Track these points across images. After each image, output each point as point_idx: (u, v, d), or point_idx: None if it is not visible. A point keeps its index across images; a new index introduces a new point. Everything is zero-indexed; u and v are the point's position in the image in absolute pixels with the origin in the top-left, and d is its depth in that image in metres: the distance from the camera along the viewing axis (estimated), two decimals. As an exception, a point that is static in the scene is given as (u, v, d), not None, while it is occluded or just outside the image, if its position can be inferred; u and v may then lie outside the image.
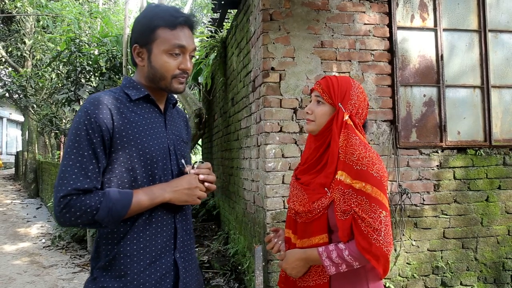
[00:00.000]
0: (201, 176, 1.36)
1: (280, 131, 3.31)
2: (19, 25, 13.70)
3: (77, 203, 1.18)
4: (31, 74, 12.14)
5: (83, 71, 6.77)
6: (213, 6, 5.54)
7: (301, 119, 3.33)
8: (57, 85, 9.61)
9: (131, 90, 1.36)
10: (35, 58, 14.00)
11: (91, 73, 6.95)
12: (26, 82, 11.93)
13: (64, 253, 6.05)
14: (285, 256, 1.54)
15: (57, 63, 9.30)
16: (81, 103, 6.76)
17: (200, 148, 10.29)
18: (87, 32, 8.15)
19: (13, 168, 19.89)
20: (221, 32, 5.97)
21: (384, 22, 3.55)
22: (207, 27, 7.37)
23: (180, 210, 1.37)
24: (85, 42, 6.93)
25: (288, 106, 3.33)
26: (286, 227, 1.63)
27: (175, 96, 1.56)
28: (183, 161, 1.40)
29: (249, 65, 3.91)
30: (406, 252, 3.45)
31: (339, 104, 1.50)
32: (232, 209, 5.06)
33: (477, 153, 3.62)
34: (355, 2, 3.50)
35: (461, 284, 3.52)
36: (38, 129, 13.89)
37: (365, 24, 3.51)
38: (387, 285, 3.35)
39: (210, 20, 7.12)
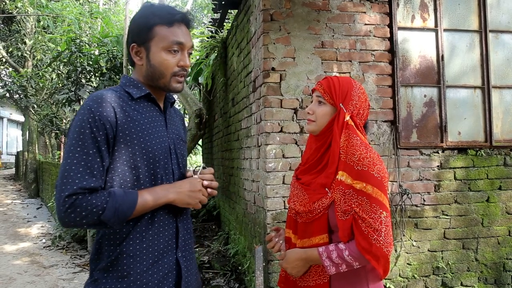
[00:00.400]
0: (205, 182, 1.36)
1: (281, 131, 3.31)
2: (19, 25, 13.71)
3: (83, 202, 1.15)
4: (32, 74, 12.13)
5: (84, 71, 6.77)
6: (214, 7, 5.54)
7: (301, 120, 3.33)
8: (57, 85, 9.59)
9: (132, 88, 1.35)
10: (36, 58, 14.01)
11: (92, 73, 6.95)
12: (26, 82, 11.93)
13: (64, 253, 6.05)
14: (286, 255, 1.54)
15: (58, 63, 9.32)
16: (81, 103, 6.76)
17: (200, 149, 10.28)
18: (87, 32, 8.14)
19: (14, 168, 19.90)
20: (221, 32, 5.98)
21: (384, 22, 3.54)
22: (207, 27, 7.38)
23: (181, 210, 1.37)
24: (85, 42, 6.92)
25: (288, 106, 3.33)
26: (287, 227, 1.63)
27: (175, 96, 1.56)
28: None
29: (249, 65, 3.91)
30: (407, 253, 3.45)
31: (340, 104, 1.50)
32: (233, 210, 5.05)
33: (478, 153, 3.62)
34: (356, 3, 3.50)
35: (461, 284, 3.52)
36: (39, 129, 13.88)
37: (365, 24, 3.50)
38: (387, 286, 3.35)
39: (211, 20, 7.12)
